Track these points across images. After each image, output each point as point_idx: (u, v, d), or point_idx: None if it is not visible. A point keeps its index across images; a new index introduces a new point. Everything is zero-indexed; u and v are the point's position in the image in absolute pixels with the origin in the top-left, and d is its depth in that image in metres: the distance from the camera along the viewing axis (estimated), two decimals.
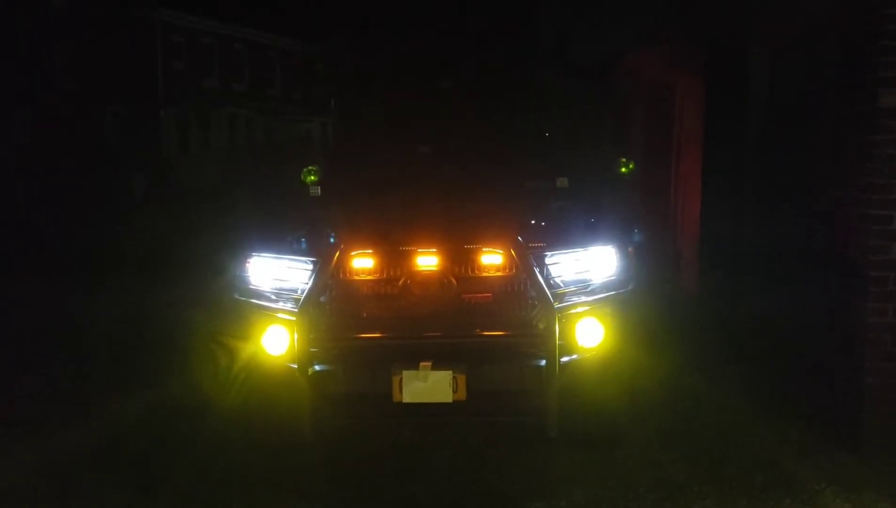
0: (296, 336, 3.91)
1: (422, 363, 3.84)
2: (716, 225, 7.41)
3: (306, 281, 4.05)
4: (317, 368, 3.95)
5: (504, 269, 4.04)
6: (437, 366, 3.85)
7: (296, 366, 3.91)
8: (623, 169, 5.00)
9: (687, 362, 5.61)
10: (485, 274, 4.05)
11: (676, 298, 7.74)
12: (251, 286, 4.28)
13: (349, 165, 5.40)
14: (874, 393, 4.31)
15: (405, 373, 3.86)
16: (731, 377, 5.51)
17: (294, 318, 3.95)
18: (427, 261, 3.98)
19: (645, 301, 4.40)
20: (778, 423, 4.78)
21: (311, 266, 4.08)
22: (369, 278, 4.07)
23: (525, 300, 4.04)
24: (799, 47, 6.21)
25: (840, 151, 4.62)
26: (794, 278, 5.51)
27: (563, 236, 4.27)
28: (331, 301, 4.10)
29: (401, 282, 3.99)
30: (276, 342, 4.01)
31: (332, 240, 4.17)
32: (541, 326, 3.95)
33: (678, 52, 8.45)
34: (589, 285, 4.13)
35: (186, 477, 4.27)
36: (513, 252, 3.96)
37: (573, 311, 4.00)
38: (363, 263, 4.05)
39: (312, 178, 4.21)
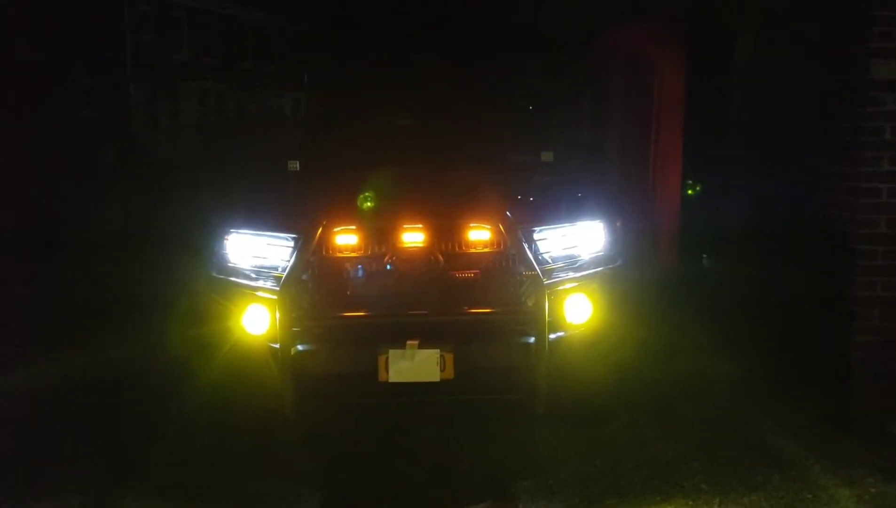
0: (277, 315, 3.76)
1: (408, 342, 3.74)
2: (697, 200, 7.39)
3: (287, 259, 3.93)
4: (299, 348, 3.84)
5: (492, 245, 3.95)
6: (423, 345, 3.75)
7: (277, 346, 3.78)
8: None
9: (672, 338, 5.58)
10: (472, 250, 3.96)
11: (657, 274, 7.70)
12: (230, 264, 4.15)
13: (330, 139, 5.27)
14: (862, 368, 4.31)
15: (391, 352, 3.76)
16: (717, 353, 5.48)
17: (275, 296, 3.81)
18: (413, 237, 3.88)
19: (633, 277, 4.35)
20: (766, 399, 4.76)
21: (292, 243, 3.96)
22: (353, 255, 3.96)
23: (513, 277, 3.96)
24: (784, 19, 6.15)
25: (827, 124, 4.57)
26: (780, 254, 5.49)
27: (551, 211, 4.18)
28: (313, 279, 3.99)
29: (386, 259, 3.89)
30: (256, 321, 3.88)
31: (313, 216, 4.04)
32: (529, 302, 3.86)
33: (659, 26, 8.36)
34: (577, 261, 4.05)
35: (166, 458, 4.18)
36: (501, 228, 3.86)
37: (562, 287, 3.92)
38: (347, 239, 3.94)
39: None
